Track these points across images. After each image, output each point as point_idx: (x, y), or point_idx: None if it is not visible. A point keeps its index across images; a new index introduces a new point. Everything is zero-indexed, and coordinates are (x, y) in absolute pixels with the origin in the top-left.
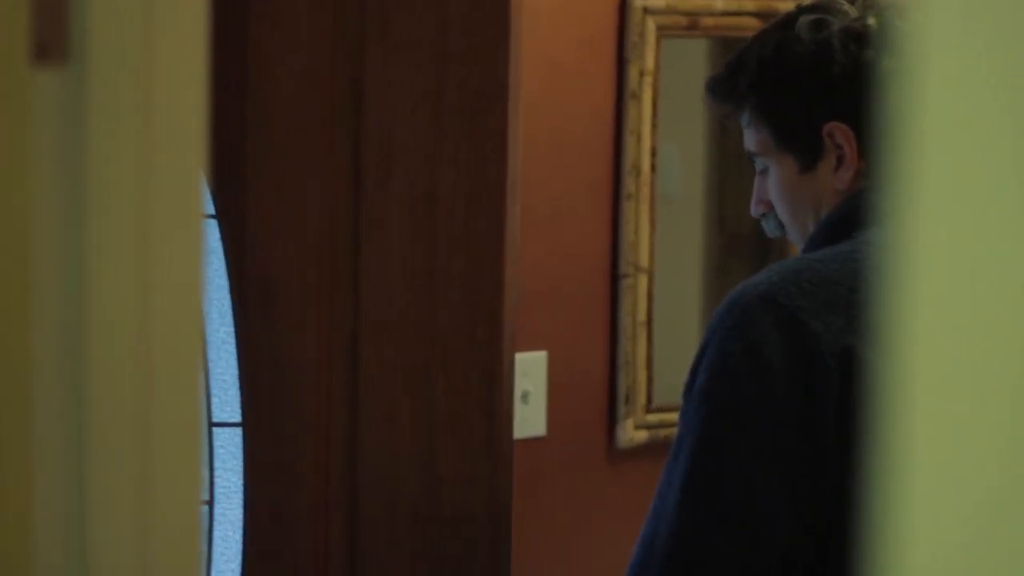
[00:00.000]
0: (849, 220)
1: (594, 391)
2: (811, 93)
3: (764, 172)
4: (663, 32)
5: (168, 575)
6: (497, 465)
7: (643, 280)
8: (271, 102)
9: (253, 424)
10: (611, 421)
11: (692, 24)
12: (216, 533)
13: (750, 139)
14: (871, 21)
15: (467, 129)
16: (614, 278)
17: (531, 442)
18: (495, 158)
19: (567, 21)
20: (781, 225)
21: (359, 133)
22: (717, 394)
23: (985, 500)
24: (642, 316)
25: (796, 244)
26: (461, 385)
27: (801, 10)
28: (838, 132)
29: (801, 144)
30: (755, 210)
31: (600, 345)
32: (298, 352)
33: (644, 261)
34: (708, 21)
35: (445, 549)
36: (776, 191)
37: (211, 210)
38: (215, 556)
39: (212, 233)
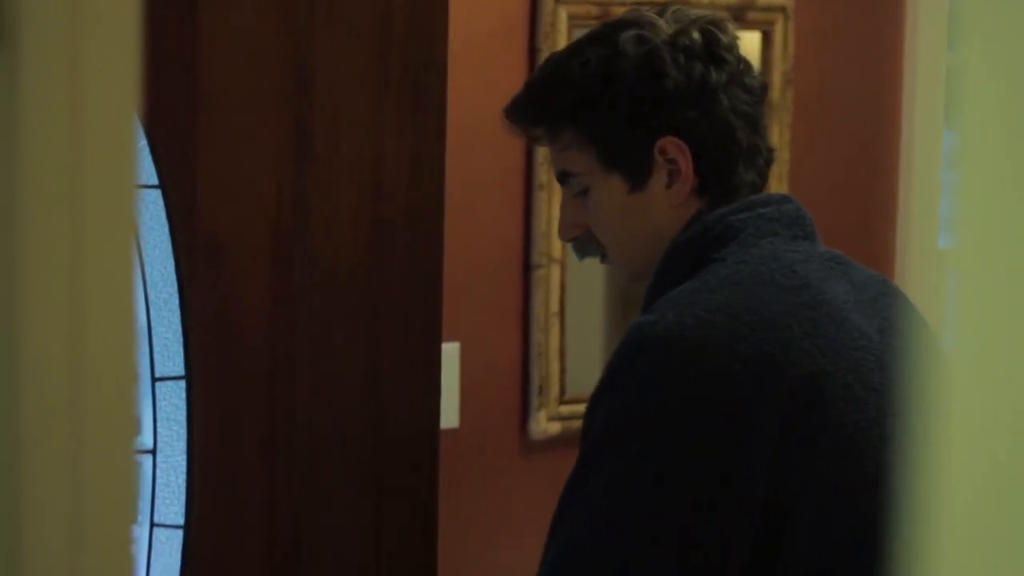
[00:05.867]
0: (707, 241)
1: (507, 382)
2: (643, 109)
3: (582, 194)
4: (575, 22)
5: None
6: (432, 402)
7: (556, 270)
8: (223, 78)
9: (197, 377)
10: (524, 412)
11: (603, 14)
12: (159, 479)
13: (568, 161)
14: (695, 36)
15: (409, 101)
16: (527, 268)
17: (444, 433)
18: (434, 128)
19: (479, 10)
20: (599, 249)
21: (311, 106)
22: (624, 446)
23: None
24: (555, 307)
25: (620, 269)
26: (401, 338)
27: (612, 27)
28: (671, 147)
29: (630, 163)
30: (567, 234)
31: (513, 336)
32: (245, 309)
33: (557, 251)
34: (619, 11)
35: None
36: (601, 214)
37: (155, 180)
38: (158, 500)
39: (156, 202)
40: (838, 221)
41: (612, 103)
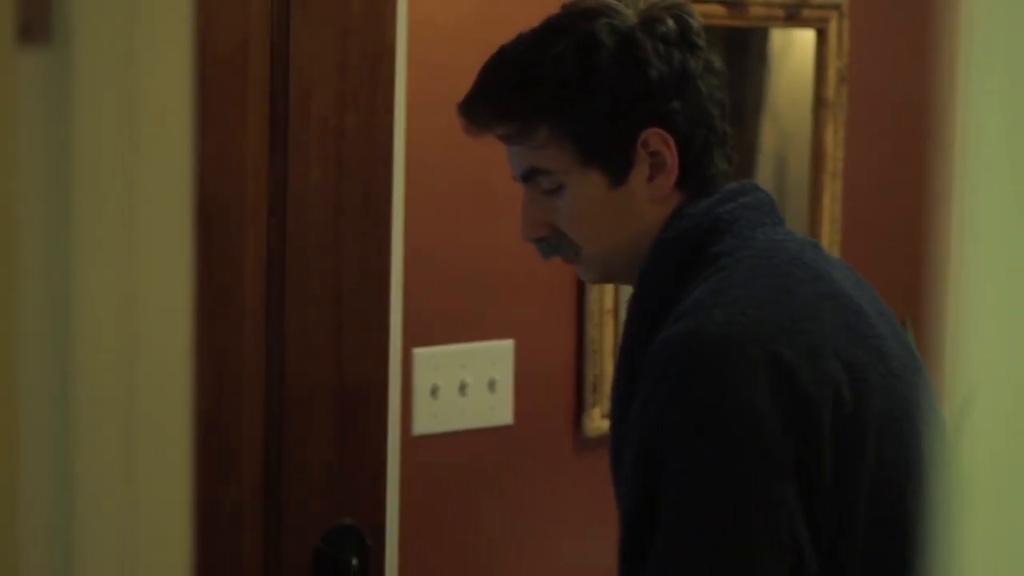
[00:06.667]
0: (698, 235)
1: (561, 380)
2: (626, 101)
3: (554, 192)
4: None
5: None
6: (383, 343)
7: None
8: (215, 66)
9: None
10: (578, 410)
11: None
12: None
13: (542, 158)
14: (669, 22)
15: (366, 80)
16: None
17: (498, 430)
18: (384, 102)
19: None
20: (571, 247)
21: (287, 87)
22: (703, 450)
23: None
24: (609, 304)
25: (591, 269)
26: (360, 283)
27: (577, 16)
28: (654, 139)
29: (612, 158)
30: (533, 233)
31: (567, 334)
32: (231, 270)
33: None
34: None
35: (351, 421)
36: (578, 211)
37: None
38: None
39: None
40: (892, 219)
41: (593, 97)
